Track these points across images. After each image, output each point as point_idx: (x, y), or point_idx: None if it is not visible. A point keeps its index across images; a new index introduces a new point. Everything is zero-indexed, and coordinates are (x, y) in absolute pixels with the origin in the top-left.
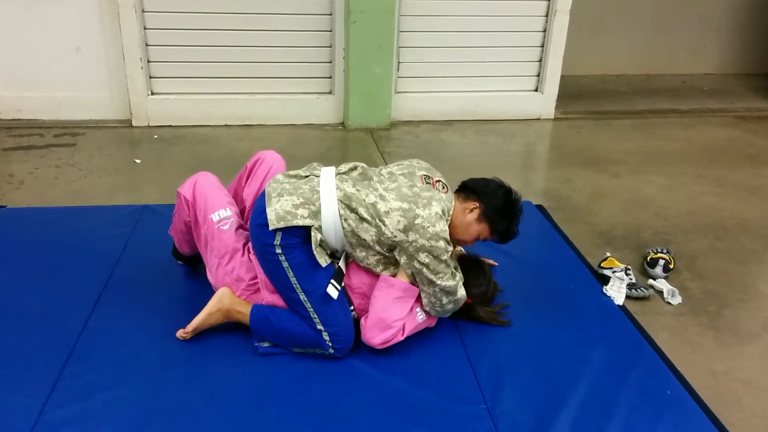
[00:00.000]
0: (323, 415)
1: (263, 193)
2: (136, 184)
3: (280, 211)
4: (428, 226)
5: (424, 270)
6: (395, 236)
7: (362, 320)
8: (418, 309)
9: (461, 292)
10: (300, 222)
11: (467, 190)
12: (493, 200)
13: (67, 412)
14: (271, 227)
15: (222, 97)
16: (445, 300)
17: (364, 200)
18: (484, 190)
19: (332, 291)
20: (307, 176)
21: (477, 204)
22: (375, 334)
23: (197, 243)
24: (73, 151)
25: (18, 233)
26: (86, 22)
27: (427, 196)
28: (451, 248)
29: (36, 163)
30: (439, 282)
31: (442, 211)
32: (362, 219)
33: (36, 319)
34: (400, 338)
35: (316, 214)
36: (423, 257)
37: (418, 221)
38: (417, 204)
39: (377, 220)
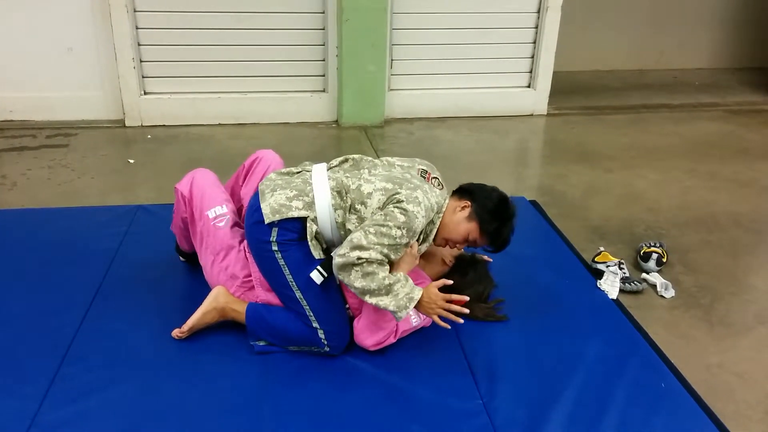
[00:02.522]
0: (320, 413)
1: (257, 192)
2: (130, 185)
3: (274, 205)
4: (403, 201)
5: (368, 226)
6: (373, 215)
7: (355, 322)
8: (411, 312)
9: (379, 279)
10: (295, 213)
11: (462, 191)
12: (486, 200)
13: (62, 414)
14: (266, 221)
15: (215, 96)
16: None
17: (350, 186)
18: (478, 191)
19: (316, 276)
20: (299, 172)
21: (469, 203)
22: (367, 336)
23: (193, 239)
24: (66, 151)
25: (11, 235)
26: (78, 21)
27: (416, 183)
28: (406, 237)
29: (29, 164)
30: (365, 242)
31: (430, 204)
32: (348, 208)
33: (30, 320)
34: (393, 340)
35: (310, 205)
36: (377, 216)
37: (396, 197)
38: (402, 186)
39: (358, 205)
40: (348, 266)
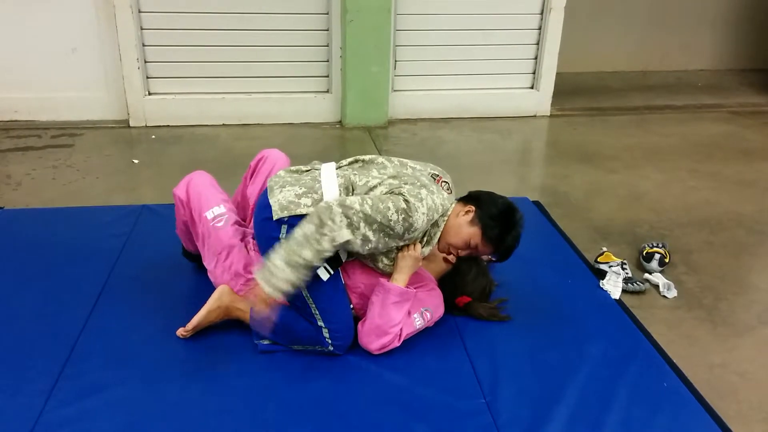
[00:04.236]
0: (323, 412)
1: (266, 189)
2: (134, 185)
3: (283, 201)
4: (405, 194)
5: (367, 197)
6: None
7: (359, 325)
8: (416, 315)
9: (325, 243)
10: (303, 210)
11: (469, 197)
12: (491, 206)
13: (67, 412)
14: (275, 217)
15: (219, 96)
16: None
17: (357, 183)
18: (485, 197)
19: (322, 273)
20: (308, 170)
21: (473, 207)
22: (372, 340)
23: (196, 241)
24: (70, 151)
25: (16, 234)
26: (82, 22)
27: (423, 182)
28: (401, 227)
29: (33, 164)
30: (357, 207)
31: (434, 204)
32: None
33: (35, 319)
34: (397, 344)
35: (318, 202)
36: (379, 190)
37: (398, 189)
38: (407, 182)
39: None
40: (324, 211)
